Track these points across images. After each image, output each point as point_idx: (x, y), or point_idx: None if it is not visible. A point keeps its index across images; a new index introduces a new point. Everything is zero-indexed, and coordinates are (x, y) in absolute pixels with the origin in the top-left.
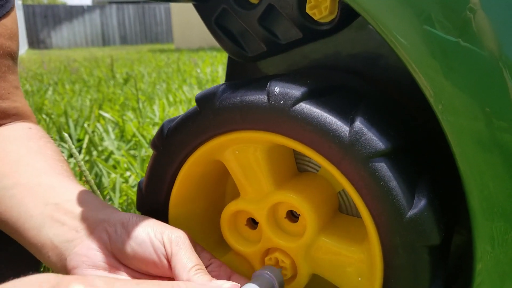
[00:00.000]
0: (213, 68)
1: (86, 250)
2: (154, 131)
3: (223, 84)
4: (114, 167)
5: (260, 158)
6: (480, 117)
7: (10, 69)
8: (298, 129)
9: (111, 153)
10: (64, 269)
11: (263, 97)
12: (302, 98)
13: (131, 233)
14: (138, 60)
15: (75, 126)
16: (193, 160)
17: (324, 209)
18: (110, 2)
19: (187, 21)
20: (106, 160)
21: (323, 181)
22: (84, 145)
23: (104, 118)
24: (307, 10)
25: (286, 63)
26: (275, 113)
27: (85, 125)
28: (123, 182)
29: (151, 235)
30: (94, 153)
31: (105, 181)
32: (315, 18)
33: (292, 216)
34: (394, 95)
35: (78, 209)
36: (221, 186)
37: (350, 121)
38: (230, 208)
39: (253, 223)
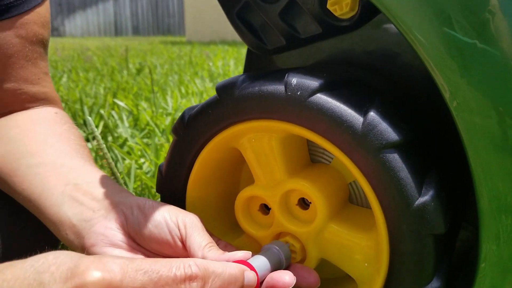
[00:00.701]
0: (224, 62)
1: (104, 230)
2: (167, 121)
3: (242, 74)
4: (128, 153)
5: (274, 147)
6: (494, 116)
7: (41, 56)
8: (313, 119)
9: (126, 140)
10: (81, 247)
11: (280, 88)
12: (319, 90)
13: (148, 215)
14: (150, 51)
15: (90, 113)
16: (211, 146)
17: (335, 198)
18: None
19: (199, 14)
20: (121, 146)
21: (335, 172)
22: (99, 131)
23: (118, 106)
24: (328, 6)
25: (303, 58)
26: (291, 103)
27: (102, 111)
28: (137, 168)
29: (166, 218)
30: (109, 139)
31: (120, 166)
32: (336, 14)
33: (304, 203)
34: (409, 91)
35: (96, 191)
36: (236, 173)
37: (363, 113)
38: (244, 193)
39: (265, 208)
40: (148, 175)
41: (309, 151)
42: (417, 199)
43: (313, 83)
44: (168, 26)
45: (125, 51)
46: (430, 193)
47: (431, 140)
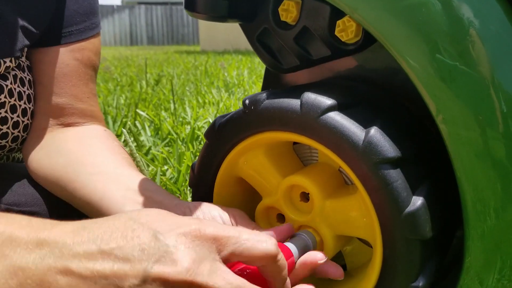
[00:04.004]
0: (239, 72)
1: None
2: (187, 130)
3: (218, 116)
4: (152, 160)
5: (262, 159)
6: (476, 128)
7: (91, 79)
8: (265, 121)
9: (150, 148)
10: None
11: (241, 111)
12: (265, 99)
13: (205, 212)
14: (166, 61)
15: (113, 123)
16: (218, 182)
17: (327, 183)
18: (139, 3)
19: (213, 24)
20: (146, 154)
21: (323, 164)
22: (122, 140)
23: (140, 116)
24: (336, 33)
25: (312, 75)
26: (251, 117)
27: (129, 123)
28: (161, 175)
29: (220, 213)
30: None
31: (145, 173)
32: (343, 39)
33: (305, 198)
34: (399, 98)
35: (154, 196)
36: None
37: (301, 97)
38: (260, 206)
39: (282, 217)
40: (172, 181)
41: (301, 159)
42: (362, 141)
43: (262, 96)
44: (182, 35)
45: (144, 63)
46: (372, 131)
47: (372, 104)
